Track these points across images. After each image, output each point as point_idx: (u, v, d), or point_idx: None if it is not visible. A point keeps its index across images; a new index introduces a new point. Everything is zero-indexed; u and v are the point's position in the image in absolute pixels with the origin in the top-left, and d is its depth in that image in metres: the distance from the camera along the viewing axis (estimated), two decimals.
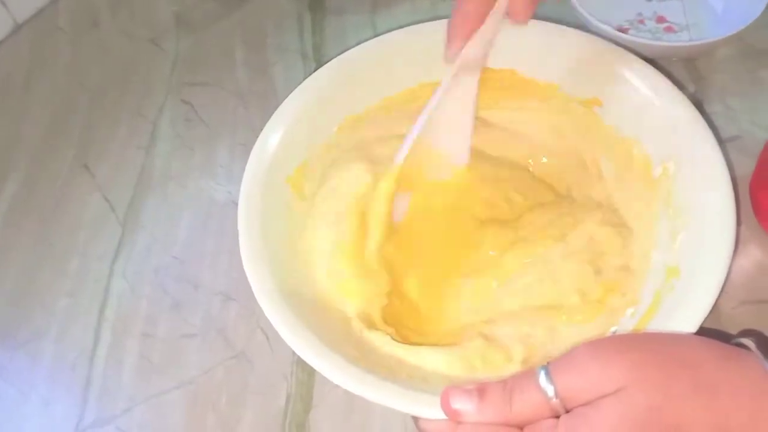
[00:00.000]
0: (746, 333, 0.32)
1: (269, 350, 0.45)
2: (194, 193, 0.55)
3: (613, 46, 0.46)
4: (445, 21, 0.50)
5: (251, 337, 0.46)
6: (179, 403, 0.45)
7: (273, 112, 0.45)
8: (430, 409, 0.33)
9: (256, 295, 0.38)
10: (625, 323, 0.39)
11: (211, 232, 0.52)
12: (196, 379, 0.45)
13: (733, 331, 0.43)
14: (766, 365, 0.29)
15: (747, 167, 0.49)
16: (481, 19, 0.40)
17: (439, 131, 0.43)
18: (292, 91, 0.46)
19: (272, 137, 0.45)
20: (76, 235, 0.54)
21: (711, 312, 0.43)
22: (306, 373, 0.44)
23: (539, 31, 0.46)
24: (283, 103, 0.46)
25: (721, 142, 0.50)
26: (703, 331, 0.32)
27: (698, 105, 0.53)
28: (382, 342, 0.39)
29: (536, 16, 0.43)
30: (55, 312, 0.50)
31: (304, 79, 0.47)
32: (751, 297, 0.45)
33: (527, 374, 0.30)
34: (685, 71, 0.56)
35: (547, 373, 0.30)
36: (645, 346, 0.30)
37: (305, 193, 0.46)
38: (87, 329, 0.49)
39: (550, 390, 0.29)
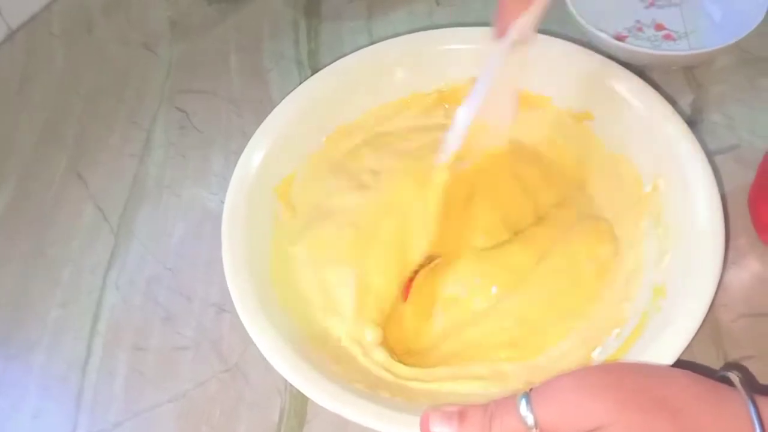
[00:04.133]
0: (731, 367, 0.32)
1: (263, 364, 0.44)
2: (188, 202, 0.54)
3: (607, 60, 0.46)
4: (439, 30, 0.50)
5: (245, 350, 0.46)
6: (171, 417, 0.44)
7: None
8: (408, 430, 0.32)
9: (235, 305, 0.38)
10: (610, 344, 0.38)
11: (204, 243, 0.52)
12: (188, 392, 0.45)
13: (732, 344, 0.43)
14: (749, 405, 0.29)
15: (746, 177, 0.48)
16: (527, 5, 0.40)
17: (488, 105, 0.42)
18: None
19: (260, 147, 0.45)
20: (69, 245, 0.53)
21: (710, 325, 0.43)
22: None
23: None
24: (272, 113, 0.46)
25: (717, 153, 0.50)
26: (688, 365, 0.32)
27: (697, 114, 0.53)
28: (365, 358, 0.39)
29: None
30: (47, 323, 0.49)
31: (299, 85, 0.47)
32: (750, 310, 0.44)
33: (508, 401, 0.30)
34: (684, 79, 0.55)
35: (528, 402, 0.29)
36: (628, 383, 0.30)
37: (293, 203, 0.45)
38: (79, 341, 0.48)
39: (529, 419, 0.29)
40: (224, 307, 0.48)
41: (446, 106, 0.50)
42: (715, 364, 0.42)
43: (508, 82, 0.44)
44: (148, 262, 0.51)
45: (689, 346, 0.35)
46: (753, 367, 0.42)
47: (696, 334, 0.35)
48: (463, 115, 0.42)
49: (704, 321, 0.35)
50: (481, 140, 0.44)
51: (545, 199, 0.46)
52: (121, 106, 0.61)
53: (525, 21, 0.40)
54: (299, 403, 0.43)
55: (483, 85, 0.42)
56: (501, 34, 0.41)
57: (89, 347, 0.48)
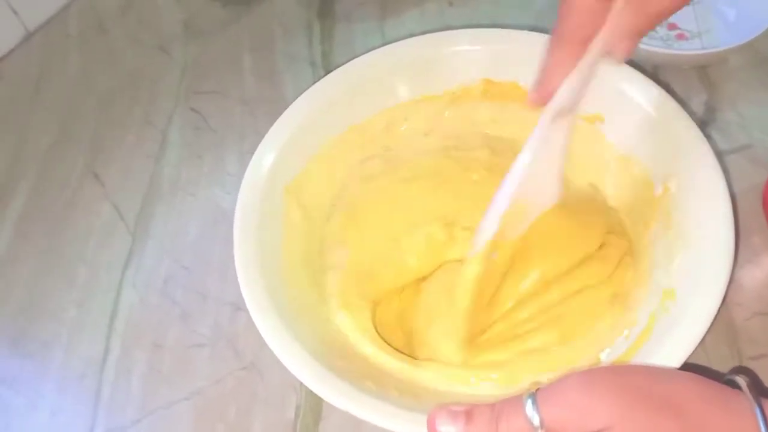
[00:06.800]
0: (739, 370, 0.32)
1: (279, 361, 0.45)
2: (203, 201, 0.55)
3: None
4: (450, 32, 0.50)
5: (261, 348, 0.46)
6: (188, 414, 0.45)
7: None
8: (416, 428, 0.33)
9: (247, 304, 0.38)
10: (619, 344, 0.38)
11: (219, 241, 0.52)
12: (205, 389, 0.45)
13: (747, 343, 0.43)
14: (755, 408, 0.29)
15: (759, 176, 0.48)
16: (575, 63, 0.36)
17: (529, 184, 0.39)
18: None
19: (273, 146, 0.45)
20: (86, 245, 0.54)
21: (724, 324, 0.43)
22: None
23: (543, 43, 0.46)
24: (285, 112, 0.46)
25: (730, 152, 0.50)
26: (695, 368, 0.32)
27: (710, 113, 0.53)
28: (373, 355, 0.40)
29: (545, 28, 0.42)
30: (64, 322, 0.50)
31: (312, 85, 0.47)
32: (764, 308, 0.44)
33: (515, 400, 0.30)
34: (697, 79, 0.56)
35: (534, 402, 0.29)
36: (634, 384, 0.30)
37: (304, 203, 0.46)
38: (96, 339, 0.49)
39: (535, 419, 0.29)
40: (240, 305, 0.48)
41: (458, 106, 0.50)
42: (729, 362, 0.42)
43: (550, 158, 0.40)
44: (165, 261, 0.52)
45: (703, 344, 0.35)
46: (767, 366, 0.42)
47: (709, 333, 0.35)
48: (498, 202, 0.39)
49: (718, 320, 0.35)
50: (517, 225, 0.40)
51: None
52: (137, 107, 0.62)
53: (572, 82, 0.36)
54: (315, 401, 0.44)
55: (521, 167, 0.38)
56: (543, 101, 0.37)
57: (107, 345, 0.48)
